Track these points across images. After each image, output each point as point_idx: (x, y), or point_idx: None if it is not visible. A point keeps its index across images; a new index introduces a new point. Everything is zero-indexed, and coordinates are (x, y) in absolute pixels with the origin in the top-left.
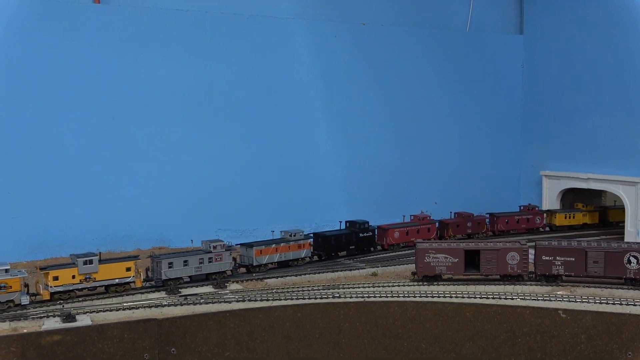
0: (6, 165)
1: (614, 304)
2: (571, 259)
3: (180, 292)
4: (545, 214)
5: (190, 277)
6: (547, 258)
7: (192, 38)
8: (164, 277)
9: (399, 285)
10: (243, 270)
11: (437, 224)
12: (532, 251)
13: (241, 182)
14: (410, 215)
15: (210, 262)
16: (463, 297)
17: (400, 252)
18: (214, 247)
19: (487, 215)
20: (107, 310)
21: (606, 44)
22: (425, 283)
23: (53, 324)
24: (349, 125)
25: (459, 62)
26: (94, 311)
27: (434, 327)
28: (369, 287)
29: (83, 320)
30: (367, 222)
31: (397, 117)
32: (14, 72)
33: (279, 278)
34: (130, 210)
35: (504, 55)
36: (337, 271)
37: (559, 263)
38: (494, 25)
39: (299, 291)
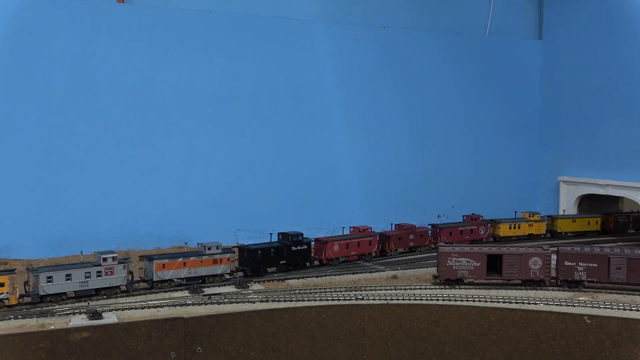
0: (29, 162)
1: (637, 310)
2: (594, 265)
3: (203, 292)
4: (489, 225)
5: (75, 292)
6: (570, 264)
7: (214, 39)
8: (41, 293)
9: (421, 289)
10: (144, 285)
11: (378, 237)
12: (554, 256)
13: (261, 183)
14: (350, 227)
15: (99, 276)
16: (487, 302)
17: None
18: (104, 260)
19: (430, 227)
20: (132, 308)
21: (625, 50)
22: (447, 286)
23: (80, 321)
24: (369, 127)
25: (477, 67)
26: (119, 309)
27: (458, 330)
28: (391, 289)
29: (109, 318)
30: (301, 234)
31: (416, 120)
32: (38, 70)
33: (300, 279)
34: (151, 209)
35: (523, 60)
36: (357, 273)
37: (582, 269)
38: (513, 30)
39: (322, 292)
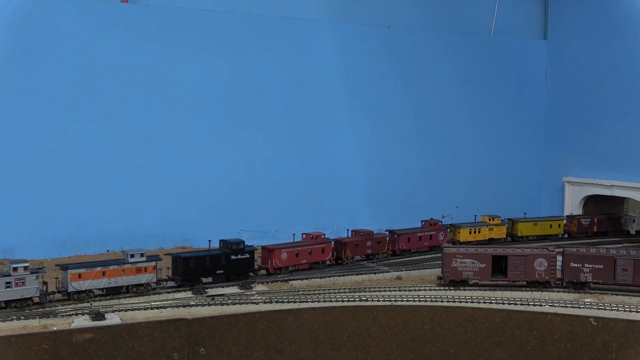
0: (33, 162)
1: None
2: (600, 266)
3: (206, 292)
4: (448, 230)
5: None
6: (575, 265)
7: (219, 39)
8: None
9: (425, 290)
10: (59, 296)
11: (332, 244)
12: (560, 258)
13: (265, 183)
14: (303, 234)
15: (8, 287)
16: (492, 303)
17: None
18: (14, 269)
19: (387, 233)
20: (135, 309)
21: (631, 50)
22: (452, 288)
23: (82, 322)
24: (373, 128)
25: (482, 67)
26: (122, 310)
27: (463, 332)
28: (395, 290)
29: (112, 319)
30: (243, 242)
31: (421, 120)
32: (41, 70)
33: (304, 280)
34: (154, 210)
35: (528, 60)
36: (361, 274)
37: (587, 270)
38: (518, 30)
39: (326, 293)
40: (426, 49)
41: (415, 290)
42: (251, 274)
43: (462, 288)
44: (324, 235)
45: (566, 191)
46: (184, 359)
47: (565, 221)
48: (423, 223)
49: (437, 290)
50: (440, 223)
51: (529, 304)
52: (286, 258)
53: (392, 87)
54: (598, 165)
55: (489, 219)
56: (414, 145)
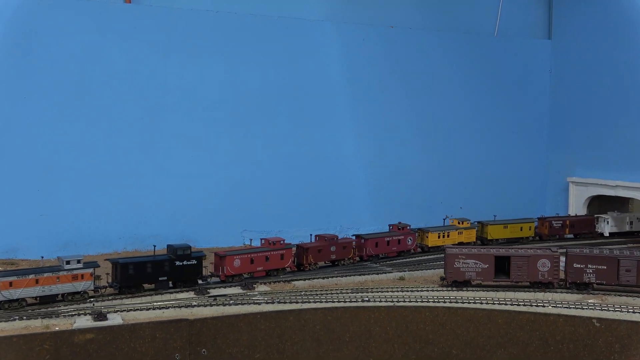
0: (36, 163)
1: None
2: (603, 267)
3: (209, 293)
4: (417, 234)
5: None
6: (579, 266)
7: (221, 39)
8: None
9: (428, 290)
10: None
11: (294, 249)
12: (563, 259)
13: (268, 184)
14: (261, 239)
15: None
16: (494, 304)
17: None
18: None
19: (354, 238)
20: (137, 309)
21: (635, 50)
22: (454, 288)
23: (84, 322)
24: (376, 128)
25: (486, 67)
26: (124, 310)
27: (465, 333)
28: (397, 291)
29: (114, 319)
30: (189, 247)
31: (424, 121)
32: (43, 71)
33: (306, 280)
34: (157, 210)
35: (532, 60)
36: (364, 275)
37: (591, 271)
38: (522, 30)
39: (328, 294)
40: (429, 49)
41: (417, 291)
42: (200, 281)
43: (464, 289)
44: (284, 240)
45: (570, 191)
46: (185, 359)
47: (536, 223)
48: (390, 227)
49: (440, 290)
50: (408, 227)
51: (531, 305)
52: (239, 265)
53: (394, 88)
54: (602, 166)
55: (458, 222)
56: (416, 145)
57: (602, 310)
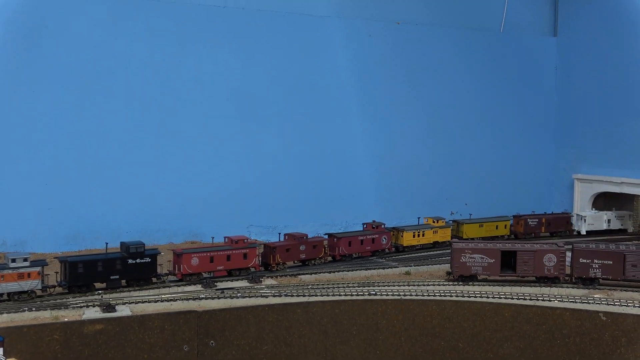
0: (44, 157)
1: None
2: (609, 262)
3: (216, 286)
4: (391, 233)
5: None
6: (585, 261)
7: (229, 35)
8: None
9: (434, 285)
10: None
11: (259, 248)
12: (569, 254)
13: (275, 178)
14: (225, 237)
15: None
16: (501, 298)
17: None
18: None
19: (326, 237)
20: (146, 301)
21: None
22: (461, 283)
23: (93, 313)
24: (383, 124)
25: (492, 63)
26: (133, 302)
27: (471, 326)
28: (404, 285)
29: (123, 311)
30: (142, 245)
31: (430, 117)
32: (53, 64)
33: (313, 275)
34: (165, 204)
35: (538, 57)
36: (370, 269)
37: (597, 266)
38: (528, 26)
39: (335, 287)
40: (436, 45)
41: (424, 285)
42: (154, 279)
43: (471, 283)
44: (248, 239)
45: (576, 188)
46: (193, 351)
47: (512, 221)
48: (364, 226)
49: (446, 285)
50: (383, 226)
51: (538, 299)
52: (197, 263)
53: (401, 83)
54: (608, 163)
55: (433, 221)
56: (423, 141)
57: (608, 304)
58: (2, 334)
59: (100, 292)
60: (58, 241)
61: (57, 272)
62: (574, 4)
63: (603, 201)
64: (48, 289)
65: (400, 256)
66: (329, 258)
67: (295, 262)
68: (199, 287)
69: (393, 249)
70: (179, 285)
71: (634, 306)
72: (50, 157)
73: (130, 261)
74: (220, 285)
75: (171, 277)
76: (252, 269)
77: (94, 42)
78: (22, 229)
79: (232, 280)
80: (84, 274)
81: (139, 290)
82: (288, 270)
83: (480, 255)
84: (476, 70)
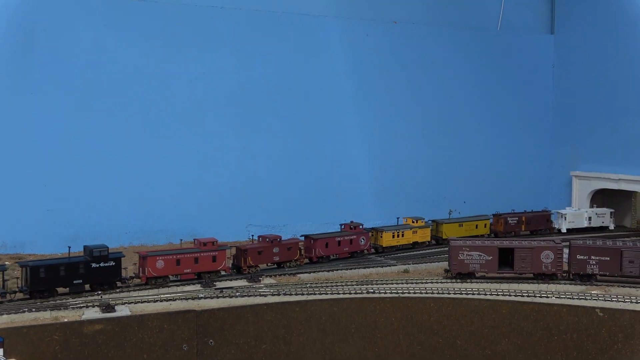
0: (43, 158)
1: None
2: (606, 258)
3: (215, 285)
4: (370, 234)
5: None
6: (582, 257)
7: (226, 35)
8: None
9: (432, 282)
10: None
11: (229, 251)
12: (566, 250)
13: (273, 178)
14: (195, 240)
15: None
16: (498, 295)
17: None
18: None
19: (301, 239)
20: (145, 301)
21: (637, 44)
22: (459, 280)
23: (93, 313)
24: (380, 123)
25: (489, 62)
26: (132, 302)
27: (469, 323)
28: (402, 283)
29: (122, 311)
30: (106, 248)
31: (427, 115)
32: (51, 66)
33: (312, 273)
34: (163, 205)
35: (535, 54)
36: (368, 267)
37: (594, 262)
38: (525, 25)
39: (334, 286)
40: (433, 43)
41: (422, 283)
42: (119, 283)
43: (468, 280)
44: (216, 241)
45: (574, 185)
46: (192, 350)
47: (491, 220)
48: (342, 227)
49: (444, 282)
50: (361, 226)
51: (535, 296)
52: (163, 266)
53: (399, 82)
54: (606, 159)
55: (412, 221)
56: (421, 140)
57: (605, 300)
58: (2, 335)
59: (99, 292)
60: (57, 242)
61: (17, 278)
62: (571, 1)
63: (601, 198)
64: (8, 295)
65: (400, 254)
66: (306, 260)
67: (269, 264)
68: (198, 286)
69: (372, 250)
70: (177, 285)
71: (631, 302)
72: (50, 158)
73: (93, 265)
74: (219, 284)
75: (136, 281)
76: (222, 272)
77: (93, 44)
78: (22, 230)
79: (231, 280)
80: (45, 278)
81: (137, 290)
82: (287, 269)
83: (478, 253)
84: (473, 69)
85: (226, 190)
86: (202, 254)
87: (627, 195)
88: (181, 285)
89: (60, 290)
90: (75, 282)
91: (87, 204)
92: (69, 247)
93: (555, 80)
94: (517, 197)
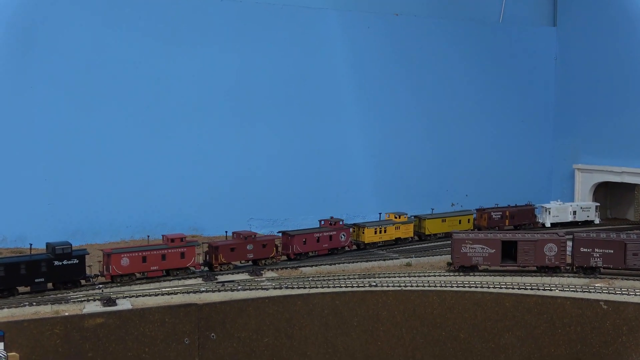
0: (43, 152)
1: None
2: (610, 251)
3: (216, 279)
4: (351, 230)
5: None
6: (586, 250)
7: (225, 29)
8: None
9: (435, 275)
10: None
11: (198, 247)
12: (570, 243)
13: (274, 172)
14: (163, 236)
15: None
16: (502, 288)
17: None
18: None
19: (278, 235)
20: (146, 295)
21: None
22: (461, 273)
23: (94, 307)
24: (381, 116)
25: (491, 54)
26: (133, 296)
27: (472, 316)
28: (405, 276)
29: (123, 304)
30: (69, 246)
31: (429, 109)
32: (51, 62)
33: (314, 267)
34: (164, 199)
35: (537, 47)
36: (370, 261)
37: (598, 255)
38: (527, 17)
39: (336, 279)
40: (434, 36)
41: (424, 276)
42: (83, 281)
43: (471, 273)
44: (185, 237)
45: (576, 178)
46: (194, 343)
47: (475, 215)
48: (322, 222)
49: (447, 275)
50: (341, 222)
51: (539, 289)
52: (128, 264)
53: (399, 76)
54: (608, 152)
55: (395, 217)
56: (422, 133)
57: (609, 293)
58: (2, 329)
59: (100, 286)
60: (58, 237)
61: None
62: None
63: (604, 191)
64: None
65: (400, 247)
66: (283, 257)
67: (242, 262)
68: (199, 280)
69: (354, 246)
70: (179, 279)
71: (635, 295)
72: (50, 152)
73: (56, 263)
74: (221, 278)
75: (101, 279)
76: (192, 269)
77: (92, 40)
78: (22, 224)
79: (232, 273)
80: (5, 277)
81: (139, 283)
82: (289, 263)
83: (480, 246)
84: (475, 61)
85: (228, 184)
86: (169, 251)
87: (630, 188)
88: (183, 278)
89: (22, 289)
90: (37, 280)
91: (88, 198)
92: (30, 245)
93: (558, 72)
94: (520, 190)
